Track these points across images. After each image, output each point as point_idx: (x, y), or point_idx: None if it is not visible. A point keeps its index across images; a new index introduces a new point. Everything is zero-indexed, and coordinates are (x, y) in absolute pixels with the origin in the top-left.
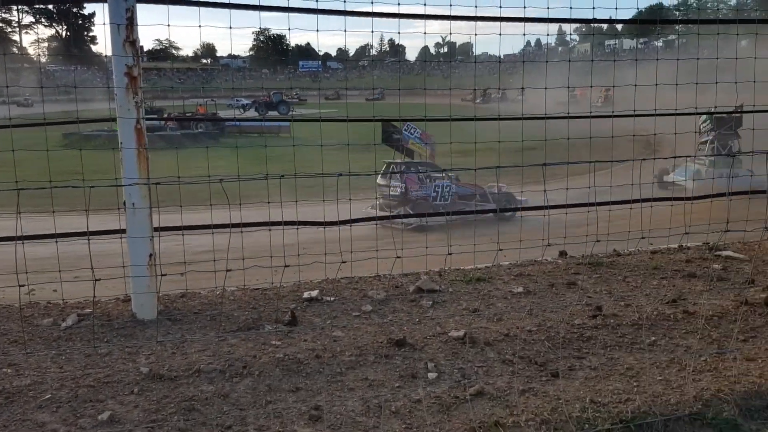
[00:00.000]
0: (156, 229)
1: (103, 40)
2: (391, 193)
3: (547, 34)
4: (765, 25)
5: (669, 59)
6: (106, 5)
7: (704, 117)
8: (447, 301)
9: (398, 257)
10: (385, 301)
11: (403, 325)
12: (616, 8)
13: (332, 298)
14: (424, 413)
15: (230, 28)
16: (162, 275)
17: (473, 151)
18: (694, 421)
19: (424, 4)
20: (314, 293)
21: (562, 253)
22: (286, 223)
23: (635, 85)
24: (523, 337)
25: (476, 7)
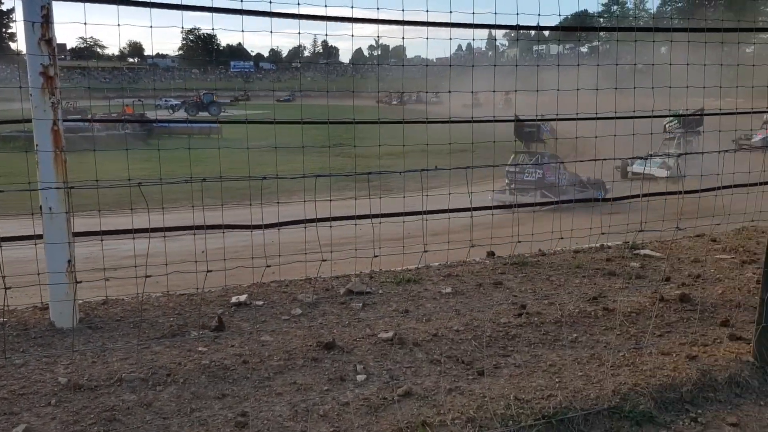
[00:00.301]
0: (74, 235)
1: (22, 37)
2: (529, 178)
3: (473, 39)
4: (682, 33)
5: (589, 64)
6: (19, 1)
7: (670, 118)
8: (377, 303)
9: (324, 260)
10: (314, 304)
11: (332, 328)
12: (539, 14)
13: (261, 303)
14: (352, 416)
15: (151, 27)
16: (78, 282)
17: (401, 153)
18: (613, 415)
19: (351, 7)
20: (242, 298)
21: (490, 254)
22: (210, 227)
23: (557, 90)
24: (450, 336)
25: (403, 11)
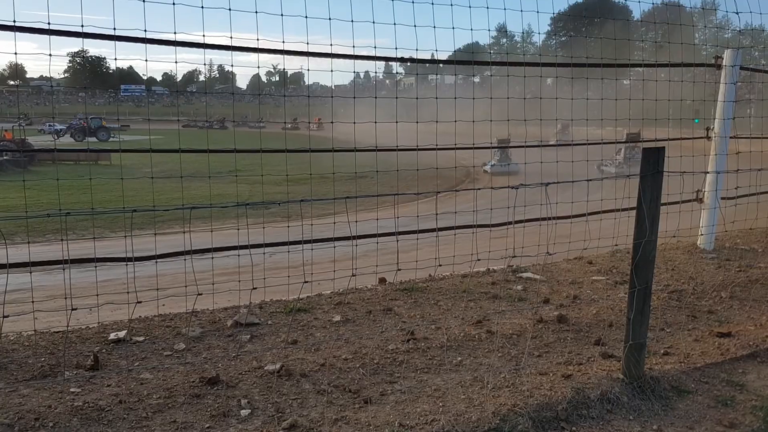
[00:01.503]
0: None
1: None
2: None
3: (375, 72)
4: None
5: (482, 97)
6: None
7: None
8: (266, 334)
9: (200, 294)
10: (200, 338)
11: (217, 362)
12: (436, 50)
13: (142, 338)
14: None
15: (15, 53)
16: None
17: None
18: None
19: (257, 39)
20: (121, 334)
21: (382, 280)
22: (82, 261)
23: (436, 121)
24: (339, 365)
25: (308, 44)
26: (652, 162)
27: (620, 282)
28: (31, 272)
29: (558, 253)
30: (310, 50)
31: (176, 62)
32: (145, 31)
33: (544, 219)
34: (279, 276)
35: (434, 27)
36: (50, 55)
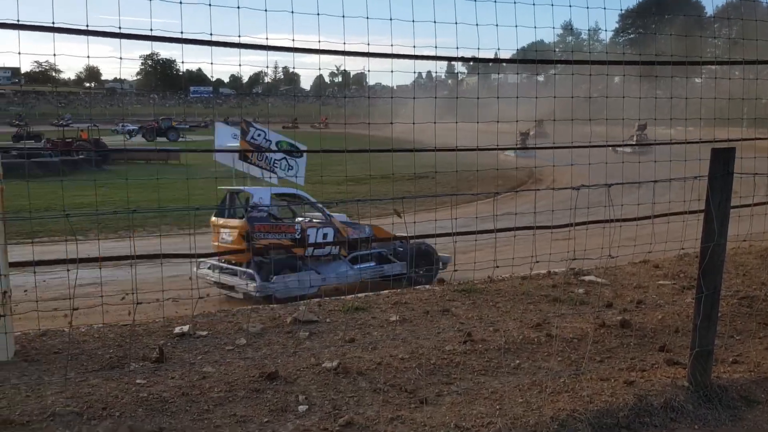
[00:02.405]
0: (11, 265)
1: None
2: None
3: (436, 72)
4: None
5: (545, 96)
6: None
7: None
8: (324, 332)
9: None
10: (260, 334)
11: (276, 358)
12: (499, 48)
13: (205, 333)
14: None
15: (88, 57)
16: (7, 315)
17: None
18: None
19: (319, 41)
20: (186, 328)
21: (440, 281)
22: (149, 257)
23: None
24: (395, 365)
25: (368, 45)
26: (722, 163)
27: (687, 287)
28: (101, 267)
29: (622, 256)
30: (371, 51)
31: (240, 65)
32: (211, 34)
33: (607, 221)
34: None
35: (497, 25)
36: (121, 58)
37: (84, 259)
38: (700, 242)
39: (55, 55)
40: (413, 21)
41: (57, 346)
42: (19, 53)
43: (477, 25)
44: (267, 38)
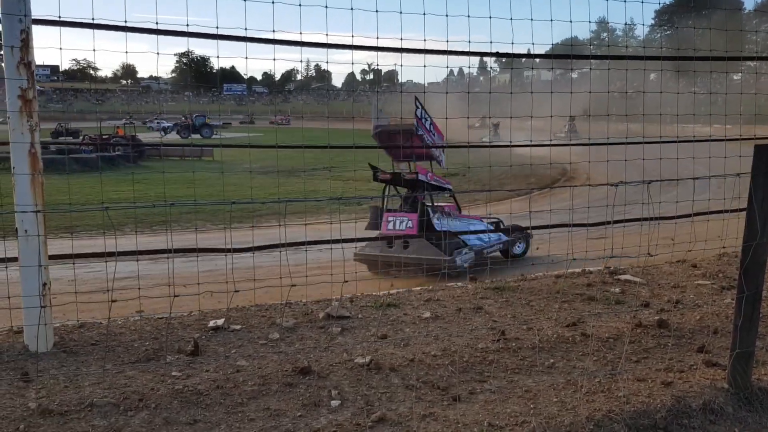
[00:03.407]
0: (51, 257)
1: None
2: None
3: (469, 66)
4: (671, 61)
5: (578, 91)
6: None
7: None
8: (356, 328)
9: (293, 285)
10: (293, 329)
11: (309, 353)
12: (533, 43)
13: (239, 327)
14: None
15: (126, 52)
16: (46, 306)
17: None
18: None
19: (352, 36)
20: (220, 322)
21: (472, 278)
22: (185, 251)
23: (551, 116)
24: (427, 362)
25: (402, 39)
26: (765, 159)
27: (727, 287)
28: (138, 260)
29: (660, 254)
30: (404, 46)
31: (274, 59)
32: (246, 29)
33: (645, 219)
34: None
35: (531, 20)
36: (158, 53)
37: (123, 252)
38: (742, 241)
39: (94, 50)
40: (447, 15)
41: (94, 338)
42: (60, 49)
43: (511, 19)
44: (301, 33)
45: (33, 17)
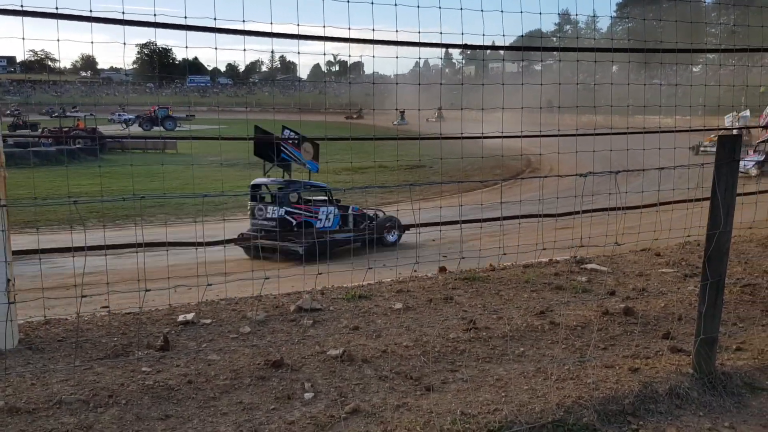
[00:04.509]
0: (14, 253)
1: None
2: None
3: (440, 57)
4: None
5: (549, 83)
6: None
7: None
8: (328, 320)
9: (267, 278)
10: (264, 322)
11: (281, 346)
12: (504, 35)
13: (209, 321)
14: None
15: (92, 43)
16: (12, 302)
17: (358, 169)
18: (557, 428)
19: (323, 26)
20: (190, 316)
21: (442, 269)
22: (153, 245)
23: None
24: (400, 352)
25: (374, 30)
26: (728, 150)
27: (690, 275)
28: (105, 255)
29: (625, 244)
30: (375, 38)
31: (245, 50)
32: (215, 19)
33: (613, 209)
34: (342, 263)
35: (501, 12)
36: (125, 44)
37: (92, 247)
38: (706, 229)
39: (59, 40)
40: (418, 6)
41: (60, 335)
42: (23, 39)
43: (482, 11)
44: (272, 23)
45: None
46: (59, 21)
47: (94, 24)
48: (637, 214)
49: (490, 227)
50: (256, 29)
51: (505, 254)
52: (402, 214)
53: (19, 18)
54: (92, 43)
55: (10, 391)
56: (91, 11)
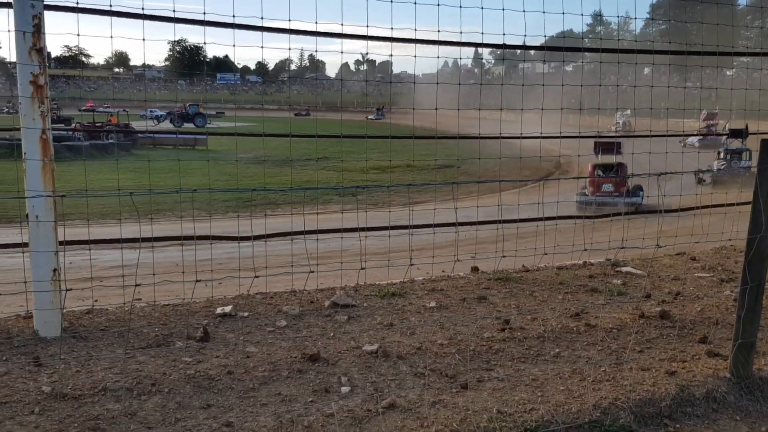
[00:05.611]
0: (61, 243)
1: (7, 44)
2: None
3: (460, 58)
4: (664, 56)
5: (572, 84)
6: (11, 11)
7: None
8: (362, 316)
9: (311, 272)
10: (299, 317)
11: (317, 340)
12: (525, 35)
13: (246, 314)
14: (337, 427)
15: (143, 39)
16: (66, 290)
17: (387, 167)
18: (593, 428)
19: (341, 24)
20: (228, 309)
21: (474, 269)
22: (198, 238)
23: (542, 108)
24: (434, 350)
25: (392, 28)
26: None
27: (726, 280)
28: (153, 248)
29: (660, 247)
30: (394, 36)
31: (262, 47)
32: (234, 16)
33: (651, 212)
34: (376, 260)
35: (524, 11)
36: (144, 39)
37: (146, 238)
38: (747, 234)
39: (78, 35)
40: (438, 5)
41: (103, 324)
42: (78, 35)
43: (503, 9)
44: (290, 21)
45: (45, 2)
46: (86, 16)
47: (124, 19)
48: (672, 218)
49: (523, 227)
50: (274, 26)
51: (545, 254)
52: (439, 213)
53: (71, 14)
54: (111, 37)
55: (56, 378)
56: (110, 5)
